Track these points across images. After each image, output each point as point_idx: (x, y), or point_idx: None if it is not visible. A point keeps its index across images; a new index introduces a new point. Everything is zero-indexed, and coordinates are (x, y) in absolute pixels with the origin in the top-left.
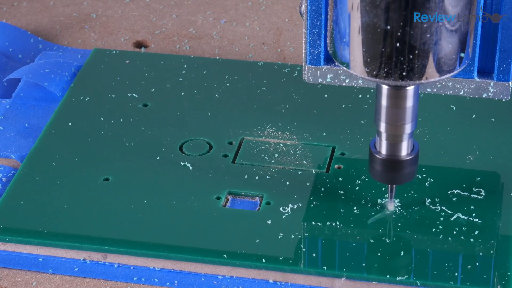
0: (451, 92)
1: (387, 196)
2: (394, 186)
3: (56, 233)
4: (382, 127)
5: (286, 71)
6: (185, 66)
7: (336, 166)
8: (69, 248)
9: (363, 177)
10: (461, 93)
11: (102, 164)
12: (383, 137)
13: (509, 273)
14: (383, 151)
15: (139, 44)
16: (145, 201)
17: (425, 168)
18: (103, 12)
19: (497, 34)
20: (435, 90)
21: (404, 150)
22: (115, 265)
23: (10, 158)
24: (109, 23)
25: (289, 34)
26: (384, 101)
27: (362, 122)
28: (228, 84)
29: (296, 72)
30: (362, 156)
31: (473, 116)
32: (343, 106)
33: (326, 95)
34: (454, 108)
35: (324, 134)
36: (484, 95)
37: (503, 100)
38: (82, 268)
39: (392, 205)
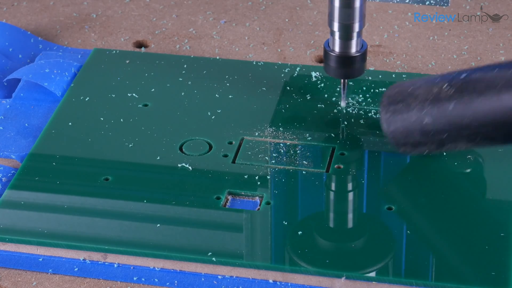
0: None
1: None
2: (346, 81)
3: (56, 233)
4: (335, 26)
5: (286, 71)
6: (185, 66)
7: (336, 166)
8: (69, 248)
9: (362, 177)
10: (407, 1)
11: (102, 164)
12: (336, 36)
13: (509, 273)
14: (336, 49)
15: (139, 44)
16: (145, 201)
17: (425, 168)
18: (103, 12)
19: None
20: None
21: (354, 48)
22: (115, 265)
23: (10, 158)
24: (109, 23)
25: (289, 34)
26: (336, 2)
27: (362, 122)
28: (228, 84)
29: (296, 72)
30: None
31: None
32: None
33: (326, 95)
34: None
35: (324, 134)
36: (427, 3)
37: (444, 7)
38: (82, 268)
39: (344, 101)
